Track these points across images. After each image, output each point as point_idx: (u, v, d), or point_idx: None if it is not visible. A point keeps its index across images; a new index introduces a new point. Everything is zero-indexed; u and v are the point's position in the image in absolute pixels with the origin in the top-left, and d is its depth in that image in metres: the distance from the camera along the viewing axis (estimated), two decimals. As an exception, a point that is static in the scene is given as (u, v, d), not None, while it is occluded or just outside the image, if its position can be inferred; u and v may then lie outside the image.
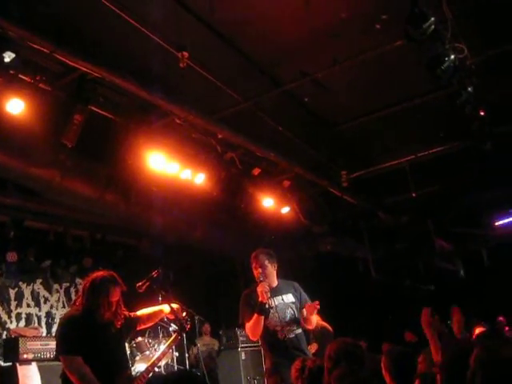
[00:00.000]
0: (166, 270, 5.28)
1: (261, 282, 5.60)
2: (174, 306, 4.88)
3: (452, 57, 5.80)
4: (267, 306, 5.51)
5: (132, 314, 4.80)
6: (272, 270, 5.85)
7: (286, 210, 9.52)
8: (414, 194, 9.76)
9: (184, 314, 4.82)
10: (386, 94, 7.76)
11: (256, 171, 8.73)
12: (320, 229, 11.00)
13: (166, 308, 4.95)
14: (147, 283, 4.90)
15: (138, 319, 4.83)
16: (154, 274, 4.95)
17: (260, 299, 5.49)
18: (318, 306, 5.73)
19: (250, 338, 5.80)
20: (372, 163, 9.48)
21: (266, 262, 5.79)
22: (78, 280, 9.96)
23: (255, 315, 5.48)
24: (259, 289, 5.53)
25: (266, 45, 6.56)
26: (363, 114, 8.14)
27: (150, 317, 4.94)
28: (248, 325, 5.57)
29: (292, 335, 5.68)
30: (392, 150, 9.17)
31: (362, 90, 7.60)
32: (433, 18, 5.20)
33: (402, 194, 10.13)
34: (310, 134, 8.53)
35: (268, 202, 9.04)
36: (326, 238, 11.31)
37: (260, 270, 5.74)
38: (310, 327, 5.98)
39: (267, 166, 8.85)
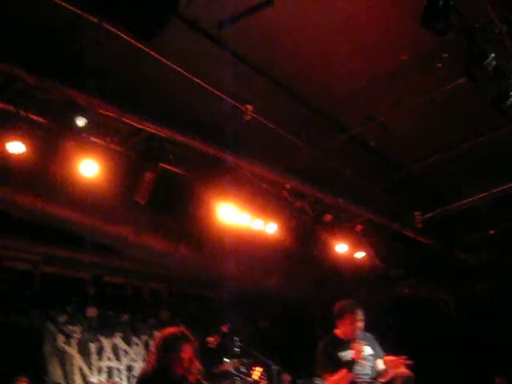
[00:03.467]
0: (237, 324, 5.24)
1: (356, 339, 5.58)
2: (256, 370, 4.82)
3: (518, 91, 5.69)
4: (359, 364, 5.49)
5: None
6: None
7: (360, 254, 9.40)
8: (491, 232, 9.48)
9: (260, 370, 4.76)
10: (454, 132, 7.62)
11: (327, 217, 8.70)
12: (397, 272, 10.78)
13: None
14: (218, 339, 4.93)
15: None
16: (224, 328, 4.98)
17: (355, 357, 5.46)
18: (406, 361, 5.60)
19: None
20: (445, 203, 9.27)
21: (362, 316, 5.75)
22: (156, 333, 10.06)
23: (344, 371, 5.43)
24: (357, 347, 5.50)
25: (328, 93, 6.62)
26: (431, 153, 8.02)
27: None
28: (333, 379, 5.48)
29: None
30: (465, 187, 8.95)
31: (429, 130, 7.51)
32: (493, 54, 5.13)
33: (479, 232, 9.85)
34: (379, 176, 8.46)
35: (342, 247, 8.96)
36: (403, 281, 11.08)
37: (358, 325, 5.69)
38: (384, 380, 5.83)
39: (338, 211, 8.80)
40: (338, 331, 5.79)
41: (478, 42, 5.07)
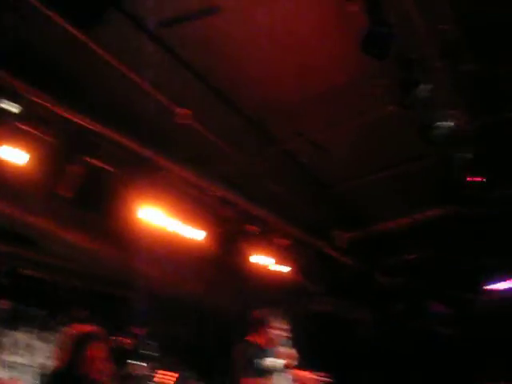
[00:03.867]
0: (152, 327, 5.19)
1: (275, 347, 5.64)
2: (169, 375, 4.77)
3: (445, 123, 5.89)
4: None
5: None
6: None
7: (283, 268, 9.48)
8: (410, 256, 9.75)
9: (176, 376, 4.73)
10: (383, 157, 7.81)
11: (253, 229, 8.74)
12: (316, 288, 10.92)
13: None
14: (133, 340, 4.87)
15: None
16: (140, 331, 4.93)
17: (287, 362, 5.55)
18: (324, 378, 5.70)
19: None
20: (369, 225, 9.48)
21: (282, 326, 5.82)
22: (69, 330, 9.85)
23: (262, 380, 5.46)
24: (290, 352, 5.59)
25: (265, 105, 6.66)
26: (361, 175, 8.19)
27: None
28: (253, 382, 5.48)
29: None
30: (389, 212, 9.17)
31: (360, 152, 7.66)
32: (426, 86, 5.29)
33: (399, 255, 10.12)
34: (307, 194, 8.56)
35: (264, 259, 9.02)
36: (323, 298, 11.22)
37: (278, 333, 5.74)
38: None
39: (264, 224, 8.85)
40: (256, 339, 5.79)
41: (413, 72, 5.22)
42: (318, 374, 5.75)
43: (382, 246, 9.98)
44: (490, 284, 11.79)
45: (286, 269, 9.53)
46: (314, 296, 11.21)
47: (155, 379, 4.40)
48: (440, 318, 12.39)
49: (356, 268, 10.51)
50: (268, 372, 5.50)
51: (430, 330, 13.10)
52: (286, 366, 5.63)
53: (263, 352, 5.68)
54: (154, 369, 6.87)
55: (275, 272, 9.47)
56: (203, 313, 10.72)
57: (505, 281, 11.72)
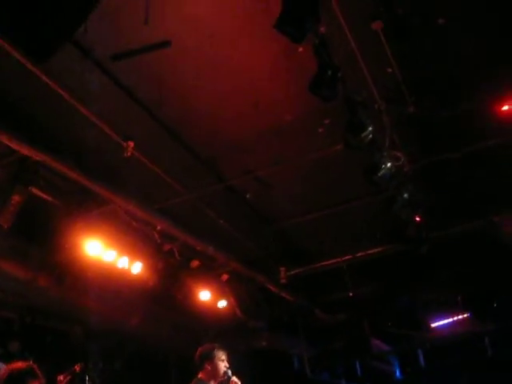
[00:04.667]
0: (92, 362, 5.07)
1: (230, 376, 5.58)
2: None
3: (389, 164, 6.05)
4: None
5: None
6: None
7: (222, 303, 9.44)
8: (350, 294, 9.86)
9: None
10: (326, 194, 7.96)
11: (194, 263, 8.70)
12: (256, 324, 10.88)
13: None
14: (68, 377, 4.74)
15: None
16: (76, 367, 4.79)
17: None
18: None
19: None
20: (311, 261, 9.57)
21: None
22: (1, 365, 9.49)
23: None
24: (238, 382, 5.54)
25: (212, 140, 6.70)
26: (303, 212, 8.30)
27: None
28: None
29: None
30: (331, 248, 9.30)
31: (303, 189, 7.78)
32: (371, 128, 5.43)
33: (340, 292, 10.22)
34: (250, 229, 8.61)
35: (205, 294, 8.98)
36: (262, 333, 11.19)
37: (227, 365, 5.70)
38: None
39: (206, 258, 8.82)
40: (204, 375, 5.74)
41: (358, 114, 5.35)
42: None
43: (323, 282, 10.08)
44: (430, 321, 12.02)
45: (226, 304, 9.49)
46: (253, 331, 11.16)
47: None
48: (380, 355, 12.53)
49: (296, 304, 10.54)
50: None
51: (367, 367, 13.24)
52: None
53: None
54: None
55: (216, 307, 9.41)
56: (142, 348, 10.54)
57: (445, 317, 11.98)
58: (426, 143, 7.02)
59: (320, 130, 6.52)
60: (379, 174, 5.90)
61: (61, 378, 4.69)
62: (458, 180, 7.63)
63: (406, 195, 6.87)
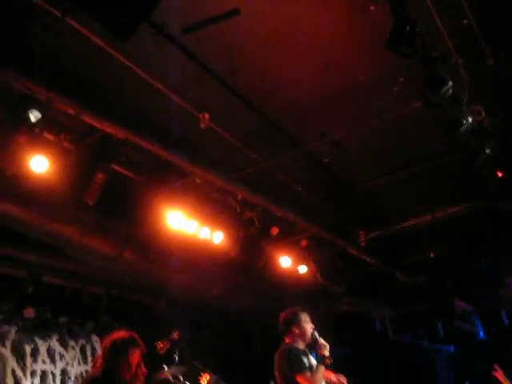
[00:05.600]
0: (182, 330, 5.22)
1: (317, 338, 5.78)
2: (204, 376, 4.78)
3: (470, 119, 5.89)
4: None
5: None
6: None
7: (303, 269, 9.50)
8: (432, 255, 9.73)
9: (208, 377, 4.75)
10: (404, 155, 7.83)
11: (274, 231, 8.75)
12: (337, 288, 10.92)
13: None
14: (167, 345, 4.89)
15: None
16: (175, 335, 4.93)
17: (327, 354, 5.64)
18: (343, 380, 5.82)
19: None
20: (390, 223, 9.48)
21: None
22: (94, 337, 9.88)
23: (322, 367, 5.57)
24: (326, 344, 5.71)
25: (285, 106, 6.66)
26: (381, 173, 8.20)
27: None
28: (315, 376, 5.51)
29: None
30: (410, 210, 9.18)
31: (380, 151, 7.68)
32: (451, 82, 5.29)
33: (420, 254, 10.10)
34: (328, 194, 8.59)
35: (286, 261, 9.04)
36: (343, 297, 11.22)
37: (313, 326, 5.85)
38: None
39: (285, 225, 8.87)
40: (291, 340, 5.83)
41: (437, 69, 5.22)
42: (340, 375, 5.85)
43: (403, 244, 9.98)
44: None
45: (306, 270, 9.55)
46: (334, 296, 11.21)
47: (200, 382, 4.42)
48: (463, 315, 12.37)
49: (377, 267, 10.50)
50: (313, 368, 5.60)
51: (450, 328, 13.10)
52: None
53: (304, 350, 5.81)
54: (185, 373, 6.90)
55: (297, 274, 9.48)
56: (226, 318, 10.74)
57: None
58: (507, 97, 6.79)
59: (395, 89, 6.39)
60: (461, 130, 5.75)
61: (160, 345, 4.84)
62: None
63: (488, 150, 6.69)
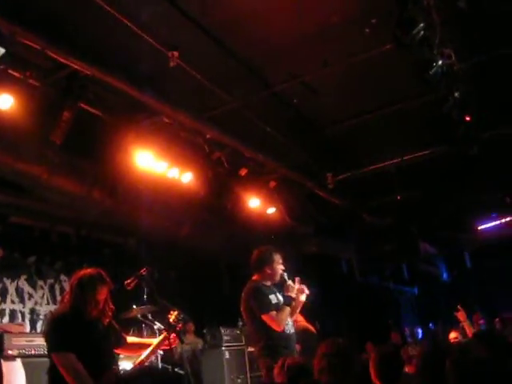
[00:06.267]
0: (152, 269, 5.24)
1: (286, 279, 5.86)
2: (173, 313, 4.82)
3: (440, 62, 5.90)
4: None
5: (123, 334, 4.84)
6: None
7: (271, 210, 9.58)
8: (398, 197, 9.87)
9: (176, 313, 4.80)
10: (374, 98, 7.85)
11: (243, 171, 8.76)
12: (305, 229, 11.05)
13: (156, 341, 4.91)
14: (135, 281, 4.92)
15: (125, 341, 4.83)
16: (143, 271, 4.96)
17: (293, 295, 5.76)
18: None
19: (278, 328, 5.63)
20: (358, 165, 9.55)
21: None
22: (62, 277, 9.92)
23: (287, 308, 5.68)
24: (293, 285, 5.80)
25: (257, 46, 6.59)
26: (351, 116, 8.22)
27: (137, 346, 4.96)
28: (280, 315, 5.62)
29: (293, 330, 5.86)
30: (378, 152, 9.25)
31: (350, 93, 7.68)
32: (422, 24, 5.27)
33: (388, 196, 10.24)
34: (297, 135, 8.59)
35: (254, 202, 9.09)
36: (311, 239, 11.37)
37: (283, 268, 5.91)
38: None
39: (254, 166, 8.88)
40: (260, 277, 5.91)
41: (409, 10, 5.18)
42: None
43: (371, 186, 10.09)
44: (477, 223, 12.02)
45: (275, 211, 9.63)
46: (303, 237, 11.34)
47: (170, 318, 4.49)
48: (428, 258, 12.65)
49: (344, 209, 10.62)
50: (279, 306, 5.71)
51: (415, 270, 13.42)
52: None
53: (270, 287, 5.89)
54: (153, 312, 7.00)
55: (265, 215, 9.56)
56: (195, 257, 10.83)
57: (492, 220, 11.94)
58: (478, 41, 6.78)
59: (367, 31, 6.35)
60: (431, 72, 5.76)
61: (128, 281, 4.87)
62: (511, 78, 7.42)
63: (457, 94, 6.73)
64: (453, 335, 8.42)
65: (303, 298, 6.00)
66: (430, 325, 14.60)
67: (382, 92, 7.63)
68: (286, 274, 5.91)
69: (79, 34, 5.92)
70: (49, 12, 5.57)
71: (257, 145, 8.35)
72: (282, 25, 6.30)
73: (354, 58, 6.66)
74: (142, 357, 4.74)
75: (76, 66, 5.83)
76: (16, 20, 5.27)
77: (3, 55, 5.45)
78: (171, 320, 4.72)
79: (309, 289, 6.04)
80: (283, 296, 5.85)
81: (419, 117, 8.08)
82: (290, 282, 5.87)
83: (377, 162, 9.39)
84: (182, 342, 4.91)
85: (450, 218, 11.66)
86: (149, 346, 4.86)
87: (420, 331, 14.11)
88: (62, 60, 5.72)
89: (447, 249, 13.40)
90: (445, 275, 14.78)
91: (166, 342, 4.73)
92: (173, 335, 4.72)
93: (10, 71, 5.81)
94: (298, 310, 6.08)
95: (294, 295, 5.79)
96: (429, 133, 8.56)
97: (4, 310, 9.01)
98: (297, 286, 5.89)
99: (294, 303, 5.83)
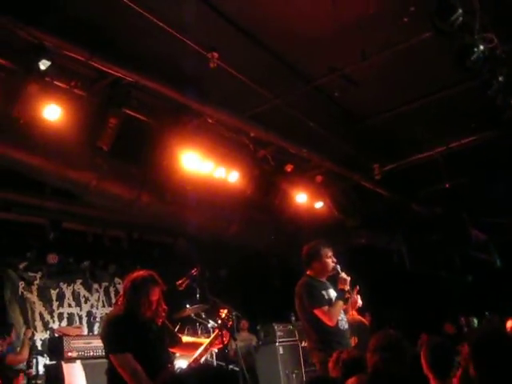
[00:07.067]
0: (202, 268, 5.33)
1: (339, 271, 5.86)
2: (223, 311, 4.88)
3: (481, 47, 5.80)
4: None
5: (177, 333, 4.93)
6: None
7: (319, 204, 9.59)
8: (447, 185, 9.75)
9: (226, 311, 4.86)
10: (416, 87, 7.76)
11: (289, 167, 8.80)
12: (353, 222, 11.00)
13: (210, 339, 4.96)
14: (187, 281, 5.01)
15: (179, 340, 4.92)
16: (194, 271, 5.05)
17: (347, 288, 5.76)
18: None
19: (330, 323, 5.61)
20: (404, 156, 9.46)
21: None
22: (116, 279, 10.17)
23: (340, 302, 5.67)
24: (347, 278, 5.79)
25: (295, 41, 6.59)
26: (394, 106, 8.15)
27: (192, 345, 5.01)
28: (332, 310, 5.61)
29: (347, 326, 5.85)
30: (424, 141, 9.15)
31: (392, 83, 7.61)
32: (460, 10, 5.20)
33: (436, 185, 10.12)
34: (341, 128, 8.56)
35: (301, 197, 9.13)
36: (360, 231, 11.31)
37: (334, 260, 5.92)
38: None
39: (299, 161, 8.92)
40: (312, 272, 5.93)
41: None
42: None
43: (418, 176, 9.98)
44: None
45: (322, 205, 9.64)
46: (351, 230, 11.29)
47: (221, 315, 4.55)
48: (479, 245, 12.42)
49: (392, 200, 10.54)
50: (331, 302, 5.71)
51: (466, 258, 13.19)
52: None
53: (324, 283, 5.90)
54: (206, 311, 7.11)
55: (313, 209, 9.58)
56: (244, 255, 10.91)
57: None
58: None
59: (405, 20, 6.29)
60: (472, 58, 5.67)
61: (180, 282, 4.97)
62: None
63: (500, 78, 6.61)
64: (510, 324, 8.26)
65: (360, 301, 6.09)
66: (487, 313, 14.32)
67: (423, 80, 7.54)
68: (338, 266, 5.91)
69: (120, 42, 6.05)
70: (90, 22, 5.71)
71: (301, 140, 8.38)
72: (319, 18, 6.27)
73: (394, 48, 6.60)
74: (196, 355, 4.81)
75: (119, 74, 5.97)
76: (59, 32, 5.43)
77: (48, 67, 5.62)
78: (222, 317, 4.79)
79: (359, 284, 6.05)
80: (337, 291, 5.86)
81: (462, 104, 7.95)
82: (342, 274, 5.86)
83: (422, 152, 9.29)
84: (234, 339, 4.96)
85: (502, 204, 11.43)
86: (203, 344, 4.93)
87: (476, 321, 13.86)
88: (105, 69, 5.85)
89: (498, 235, 13.12)
90: (498, 262, 14.47)
91: (219, 340, 4.79)
92: (225, 332, 4.78)
93: (55, 82, 5.99)
94: (351, 308, 6.09)
95: (347, 288, 5.79)
96: (473, 119, 8.42)
97: (62, 313, 9.28)
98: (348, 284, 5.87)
99: (347, 297, 5.82)
